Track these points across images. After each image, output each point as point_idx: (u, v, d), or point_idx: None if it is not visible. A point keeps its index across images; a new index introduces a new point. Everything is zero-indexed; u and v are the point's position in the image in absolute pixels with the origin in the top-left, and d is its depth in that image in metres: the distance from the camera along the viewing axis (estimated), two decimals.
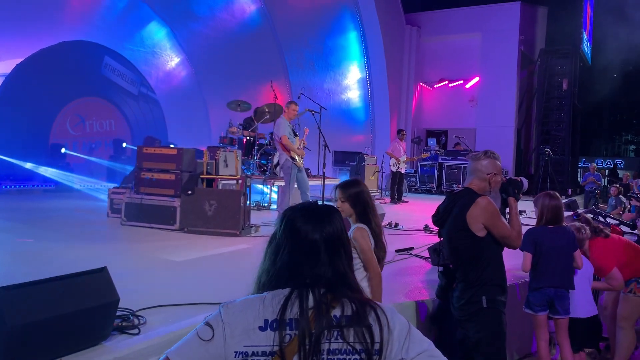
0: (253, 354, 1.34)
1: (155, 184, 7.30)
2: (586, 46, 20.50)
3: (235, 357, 1.35)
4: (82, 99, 13.51)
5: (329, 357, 1.34)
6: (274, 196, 10.15)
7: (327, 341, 1.34)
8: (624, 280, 4.26)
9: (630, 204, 10.90)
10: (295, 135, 8.19)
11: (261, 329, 1.35)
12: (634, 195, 10.69)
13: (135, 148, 8.72)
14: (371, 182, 13.33)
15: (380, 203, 10.42)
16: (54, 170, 12.28)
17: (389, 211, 8.52)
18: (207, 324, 1.38)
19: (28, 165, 11.88)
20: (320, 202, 1.66)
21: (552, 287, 3.82)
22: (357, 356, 1.35)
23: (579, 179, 21.27)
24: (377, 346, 1.36)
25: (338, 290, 1.41)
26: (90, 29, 13.04)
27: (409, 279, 4.82)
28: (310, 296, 1.39)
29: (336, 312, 1.37)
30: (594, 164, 19.22)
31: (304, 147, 8.28)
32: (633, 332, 4.37)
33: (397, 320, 1.42)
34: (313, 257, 1.44)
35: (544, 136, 18.43)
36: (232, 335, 1.35)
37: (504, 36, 17.17)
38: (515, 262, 5.13)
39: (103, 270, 2.83)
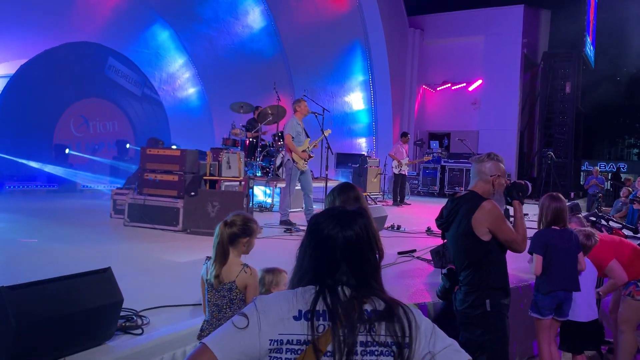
0: (288, 342, 1.37)
1: (159, 185, 7.32)
2: (589, 49, 20.48)
3: (270, 344, 1.37)
4: (85, 100, 13.56)
5: (362, 349, 1.38)
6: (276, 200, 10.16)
7: (360, 334, 1.38)
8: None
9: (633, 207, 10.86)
10: (307, 136, 8.15)
11: (295, 318, 1.38)
12: (637, 198, 10.65)
13: (139, 149, 8.75)
14: (373, 184, 13.34)
15: (383, 205, 10.43)
16: (58, 170, 12.32)
17: (391, 214, 8.53)
18: (242, 314, 1.41)
19: (32, 164, 11.92)
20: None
21: (562, 290, 3.79)
22: (388, 349, 1.39)
23: (581, 182, 21.23)
24: (407, 340, 1.40)
25: (364, 289, 1.45)
26: (94, 30, 13.09)
27: (410, 281, 4.82)
28: (341, 291, 1.43)
29: (367, 307, 1.41)
30: (597, 168, 19.19)
31: (313, 148, 8.23)
32: (634, 335, 4.37)
33: (423, 318, 1.48)
34: (332, 266, 1.46)
35: (546, 139, 18.41)
36: (267, 324, 1.38)
37: (507, 39, 17.17)
38: (516, 265, 5.15)
39: (107, 271, 2.85)
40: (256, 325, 1.38)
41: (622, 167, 28.23)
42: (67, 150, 12.88)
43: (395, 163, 12.35)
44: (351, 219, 1.51)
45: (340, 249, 1.46)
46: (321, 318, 1.38)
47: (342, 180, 13.49)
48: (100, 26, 13.22)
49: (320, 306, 1.39)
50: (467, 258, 3.17)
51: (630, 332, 4.32)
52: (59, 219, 7.89)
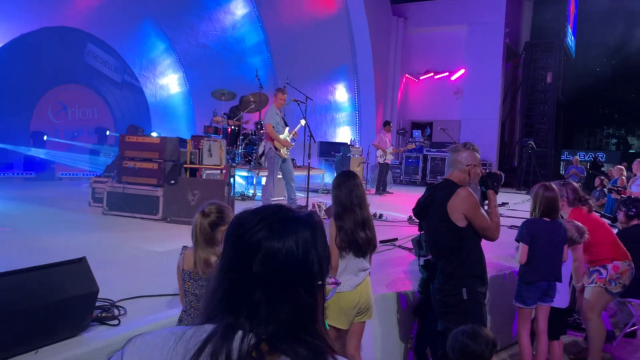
0: None
1: (138, 173, 7.21)
2: (570, 40, 20.66)
3: None
4: (64, 86, 13.29)
5: None
6: (259, 193, 10.10)
7: None
8: (585, 261, 4.35)
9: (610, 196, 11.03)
10: (285, 125, 8.12)
11: None
12: (615, 188, 10.82)
13: (118, 136, 8.62)
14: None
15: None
16: (35, 157, 12.09)
17: (373, 203, 8.54)
18: None
19: (9, 151, 11.68)
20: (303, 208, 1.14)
21: (545, 280, 3.81)
22: None
23: (561, 172, 21.50)
24: None
25: (278, 340, 0.95)
26: (72, 15, 12.81)
27: (392, 270, 4.84)
28: (239, 342, 0.94)
29: None
30: (577, 157, 19.45)
31: (294, 138, 8.21)
32: (600, 322, 4.44)
33: None
34: (242, 293, 0.98)
35: (527, 129, 18.59)
36: None
37: (490, 28, 17.21)
38: (497, 253, 5.19)
39: (82, 261, 2.80)
40: None
41: (601, 157, 28.62)
42: (45, 137, 12.64)
43: (379, 152, 12.36)
44: (289, 226, 1.00)
45: (257, 266, 0.97)
46: None
47: (326, 169, 13.48)
48: (79, 11, 12.94)
49: None
50: (443, 245, 3.19)
51: (597, 319, 4.40)
52: (36, 207, 7.74)
